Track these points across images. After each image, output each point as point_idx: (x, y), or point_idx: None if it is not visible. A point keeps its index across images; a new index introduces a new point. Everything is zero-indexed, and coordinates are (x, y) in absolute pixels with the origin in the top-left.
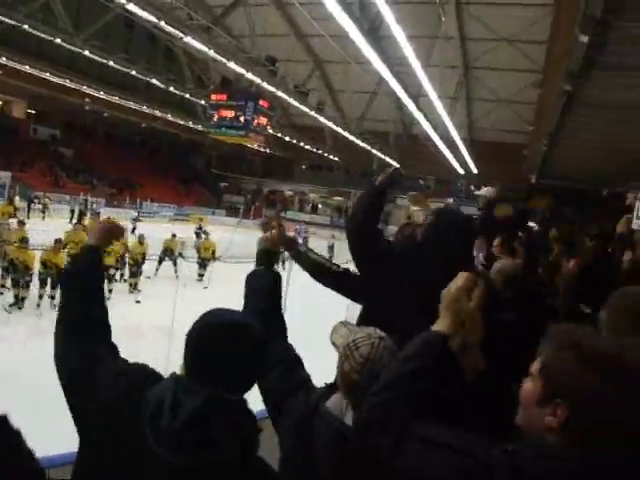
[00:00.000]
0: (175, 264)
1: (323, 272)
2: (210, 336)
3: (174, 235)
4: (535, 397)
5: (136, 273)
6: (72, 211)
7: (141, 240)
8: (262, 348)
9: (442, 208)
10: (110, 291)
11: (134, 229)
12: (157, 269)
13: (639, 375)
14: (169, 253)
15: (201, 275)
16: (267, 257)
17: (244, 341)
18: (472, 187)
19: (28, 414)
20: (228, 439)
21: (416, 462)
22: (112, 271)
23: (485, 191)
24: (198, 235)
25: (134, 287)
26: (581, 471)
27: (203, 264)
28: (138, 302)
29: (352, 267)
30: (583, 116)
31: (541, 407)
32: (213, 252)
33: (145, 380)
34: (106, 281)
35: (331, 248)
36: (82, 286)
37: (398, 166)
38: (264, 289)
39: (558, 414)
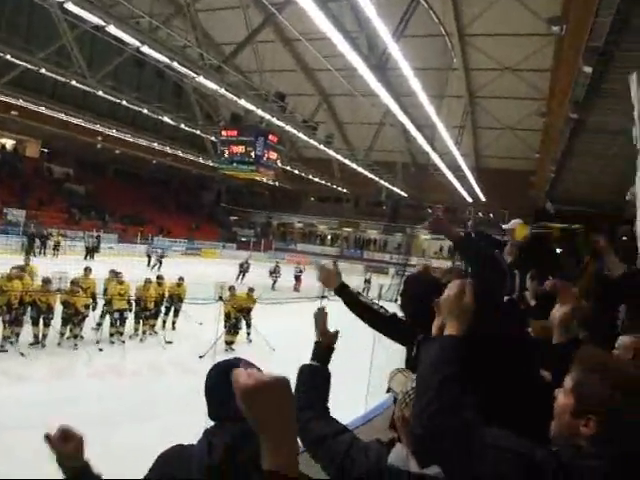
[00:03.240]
0: (177, 314)
1: (372, 315)
2: (214, 382)
3: (181, 279)
4: (569, 410)
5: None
6: (87, 248)
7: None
8: None
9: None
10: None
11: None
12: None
13: None
14: (176, 300)
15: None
16: (325, 353)
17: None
18: (480, 214)
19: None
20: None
21: (491, 467)
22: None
23: (512, 224)
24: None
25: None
26: (613, 466)
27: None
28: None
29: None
30: (588, 142)
31: (574, 418)
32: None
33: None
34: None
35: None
36: None
37: (405, 195)
38: (317, 388)
39: (590, 426)
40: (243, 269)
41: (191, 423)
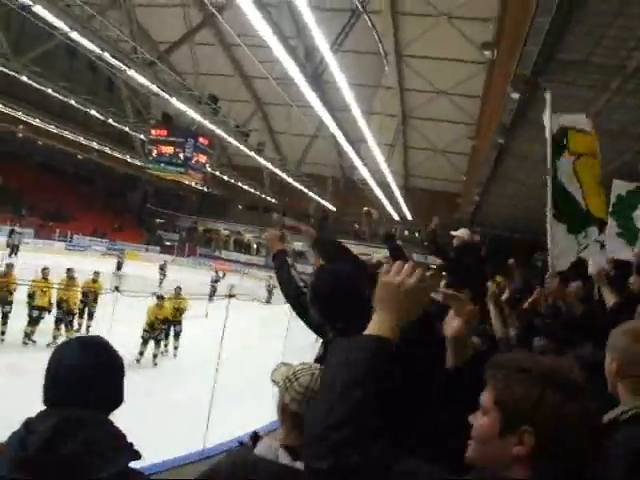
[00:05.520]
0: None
1: (295, 293)
2: (55, 361)
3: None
4: (495, 430)
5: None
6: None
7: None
8: (109, 360)
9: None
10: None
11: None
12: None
13: (579, 382)
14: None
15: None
16: None
17: (87, 358)
18: (406, 233)
19: None
20: (91, 455)
21: None
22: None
23: (461, 232)
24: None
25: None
26: None
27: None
28: None
29: None
30: (512, 167)
31: (503, 439)
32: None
33: None
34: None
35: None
36: None
37: (333, 209)
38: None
39: (526, 440)
40: (163, 272)
41: None
